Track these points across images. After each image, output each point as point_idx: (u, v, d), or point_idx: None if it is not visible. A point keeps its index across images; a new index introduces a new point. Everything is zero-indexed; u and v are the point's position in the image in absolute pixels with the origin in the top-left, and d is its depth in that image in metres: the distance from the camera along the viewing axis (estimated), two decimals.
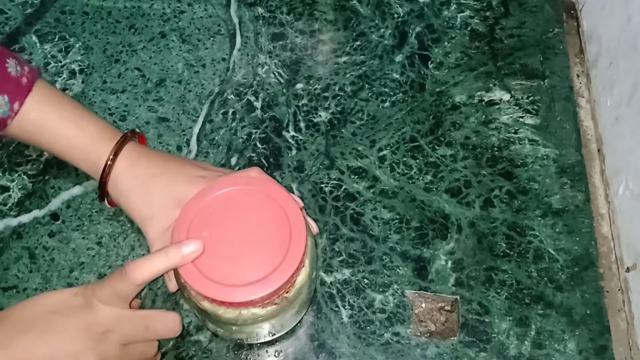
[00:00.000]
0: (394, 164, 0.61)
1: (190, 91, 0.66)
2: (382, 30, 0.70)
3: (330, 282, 0.55)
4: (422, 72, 0.67)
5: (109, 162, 0.48)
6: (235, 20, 0.71)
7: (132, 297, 0.42)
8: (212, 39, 0.70)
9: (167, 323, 0.44)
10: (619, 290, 0.55)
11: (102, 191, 0.49)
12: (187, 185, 0.47)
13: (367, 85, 0.66)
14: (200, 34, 0.70)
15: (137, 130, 0.52)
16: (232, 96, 0.65)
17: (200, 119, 0.64)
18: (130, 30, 0.70)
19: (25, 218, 0.57)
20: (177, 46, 0.69)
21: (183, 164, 0.50)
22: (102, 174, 0.48)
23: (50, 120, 0.48)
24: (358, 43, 0.69)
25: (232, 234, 0.43)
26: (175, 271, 0.43)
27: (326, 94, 0.66)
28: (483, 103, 0.65)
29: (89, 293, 0.41)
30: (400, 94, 0.65)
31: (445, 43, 0.69)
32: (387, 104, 0.65)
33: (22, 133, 0.49)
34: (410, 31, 0.70)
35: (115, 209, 0.54)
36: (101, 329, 0.40)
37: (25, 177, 0.60)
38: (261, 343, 0.51)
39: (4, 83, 0.46)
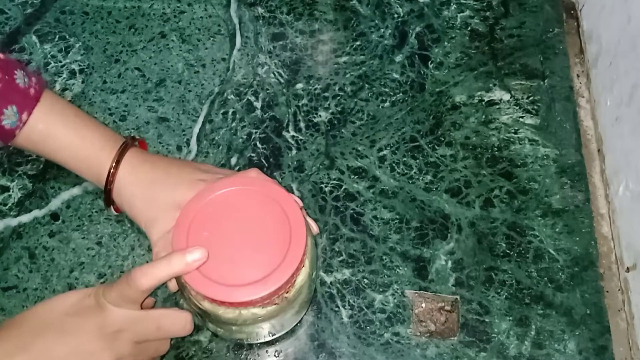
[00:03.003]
0: (394, 164, 0.61)
1: (190, 91, 0.66)
2: (382, 30, 0.70)
3: (330, 282, 0.55)
4: (422, 72, 0.67)
5: (111, 170, 0.48)
6: (235, 20, 0.71)
7: (141, 300, 0.42)
8: (212, 39, 0.70)
9: (178, 322, 0.44)
10: (619, 290, 0.55)
11: (107, 198, 0.50)
12: (188, 189, 0.47)
13: (367, 85, 0.66)
14: (200, 34, 0.70)
15: (138, 136, 0.52)
16: (232, 96, 0.65)
17: (200, 119, 0.64)
18: (130, 30, 0.70)
19: (25, 218, 0.57)
20: (177, 46, 0.69)
21: (184, 168, 0.51)
22: (105, 183, 0.49)
23: (55, 131, 0.49)
24: (358, 43, 0.69)
25: (232, 234, 0.43)
26: None
27: (326, 94, 0.66)
28: (483, 103, 0.65)
29: (100, 294, 0.42)
30: (400, 94, 0.65)
31: (445, 43, 0.69)
32: (387, 104, 0.65)
33: (28, 143, 0.50)
34: (410, 31, 0.70)
35: (118, 214, 0.54)
36: (114, 328, 0.41)
37: (25, 177, 0.60)
38: (261, 343, 0.51)
39: (13, 94, 0.47)
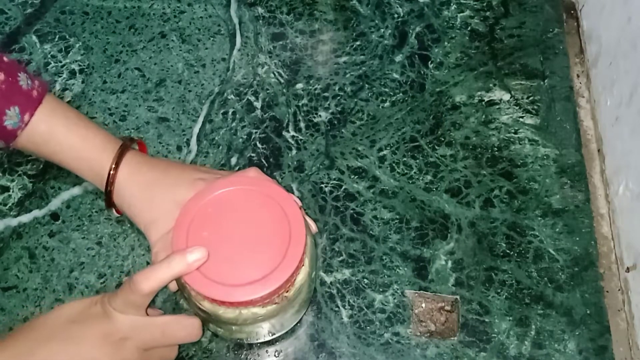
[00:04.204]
0: (394, 164, 0.61)
1: (190, 91, 0.66)
2: (382, 30, 0.70)
3: (330, 282, 0.55)
4: (422, 72, 0.67)
5: (111, 172, 0.48)
6: (235, 20, 0.71)
7: (145, 305, 0.42)
8: (212, 39, 0.70)
9: (185, 328, 0.44)
10: (619, 290, 0.55)
11: (109, 200, 0.50)
12: (188, 189, 0.47)
13: (367, 85, 0.66)
14: (200, 34, 0.70)
15: (136, 136, 0.52)
16: (232, 96, 0.65)
17: (200, 119, 0.64)
18: (130, 30, 0.70)
19: (25, 218, 0.57)
20: (177, 46, 0.69)
21: (184, 169, 0.51)
22: (106, 184, 0.49)
23: (57, 132, 0.49)
24: (358, 43, 0.69)
25: (231, 234, 0.43)
26: None
27: (326, 94, 0.66)
28: (483, 103, 0.65)
29: (106, 301, 0.42)
30: (400, 94, 0.65)
31: (445, 43, 0.69)
32: (387, 104, 0.65)
33: (30, 144, 0.50)
34: (410, 31, 0.70)
35: (119, 215, 0.54)
36: (119, 336, 0.41)
37: (25, 177, 0.60)
38: (261, 343, 0.51)
39: (15, 95, 0.48)
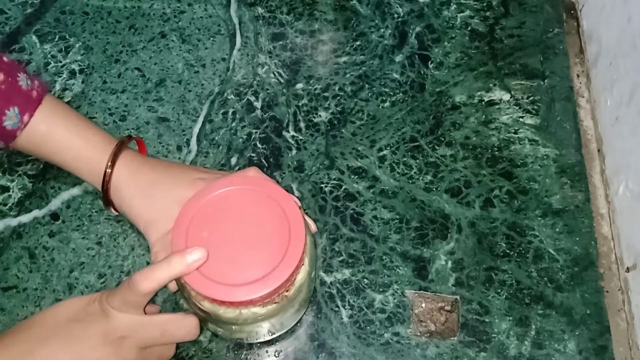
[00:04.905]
0: (394, 164, 0.61)
1: (190, 91, 0.66)
2: (382, 30, 0.70)
3: (330, 282, 0.55)
4: (422, 72, 0.67)
5: (107, 170, 0.48)
6: (235, 20, 0.71)
7: (144, 305, 0.42)
8: (212, 39, 0.70)
9: (183, 328, 0.44)
10: (619, 290, 0.55)
11: (105, 198, 0.50)
12: (188, 188, 0.47)
13: (367, 85, 0.66)
14: (200, 34, 0.70)
15: (135, 135, 0.52)
16: (232, 96, 0.65)
17: (200, 119, 0.64)
18: (130, 30, 0.70)
19: (25, 218, 0.57)
20: (177, 46, 0.69)
21: (183, 169, 0.51)
22: (102, 182, 0.49)
23: (57, 133, 0.49)
24: (358, 43, 0.69)
25: (231, 234, 0.43)
26: None
27: (326, 94, 0.66)
28: (483, 103, 0.65)
29: (104, 300, 0.42)
30: (400, 94, 0.66)
31: (445, 43, 0.69)
32: (387, 104, 0.65)
33: (29, 145, 0.50)
34: (410, 31, 0.70)
35: (118, 214, 0.54)
36: (117, 335, 0.42)
37: (25, 177, 0.60)
38: (261, 343, 0.51)
39: (15, 96, 0.48)
